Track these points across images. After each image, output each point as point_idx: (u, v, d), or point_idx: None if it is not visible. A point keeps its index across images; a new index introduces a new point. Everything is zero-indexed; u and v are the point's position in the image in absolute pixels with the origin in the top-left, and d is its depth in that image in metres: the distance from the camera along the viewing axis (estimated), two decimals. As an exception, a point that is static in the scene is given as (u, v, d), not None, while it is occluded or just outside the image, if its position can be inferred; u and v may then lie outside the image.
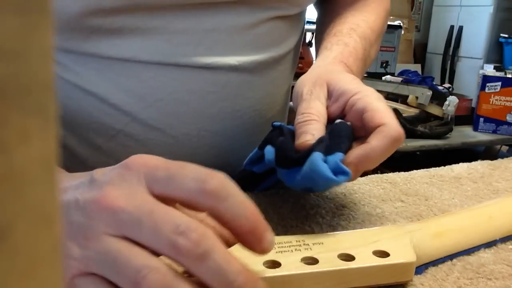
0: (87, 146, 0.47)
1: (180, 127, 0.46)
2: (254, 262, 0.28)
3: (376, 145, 0.35)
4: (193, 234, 0.22)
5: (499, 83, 2.22)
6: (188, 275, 0.24)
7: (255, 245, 0.24)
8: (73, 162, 0.29)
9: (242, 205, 0.24)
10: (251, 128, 0.51)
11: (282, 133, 0.38)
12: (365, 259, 0.30)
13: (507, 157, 0.62)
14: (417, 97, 2.24)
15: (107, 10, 0.40)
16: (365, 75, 2.07)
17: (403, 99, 2.30)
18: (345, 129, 0.37)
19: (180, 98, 0.45)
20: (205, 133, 0.47)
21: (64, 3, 0.39)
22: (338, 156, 0.34)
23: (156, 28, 0.43)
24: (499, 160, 0.60)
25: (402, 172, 0.54)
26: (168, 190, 0.25)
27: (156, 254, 0.24)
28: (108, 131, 0.46)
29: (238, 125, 0.49)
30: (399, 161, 1.42)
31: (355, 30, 0.52)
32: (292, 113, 0.44)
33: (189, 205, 0.24)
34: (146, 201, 0.24)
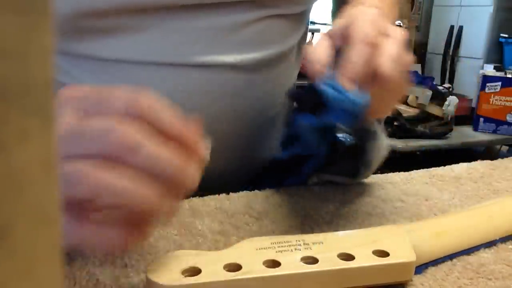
0: None
1: None
2: (254, 261, 0.28)
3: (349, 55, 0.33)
4: (124, 129, 0.23)
5: (499, 83, 2.23)
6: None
7: (190, 152, 0.26)
8: None
9: (168, 114, 0.26)
10: (251, 129, 0.50)
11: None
12: (365, 259, 0.30)
13: (507, 157, 0.62)
14: (417, 97, 2.24)
15: (99, 12, 0.40)
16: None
17: (403, 99, 2.30)
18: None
19: (176, 99, 0.43)
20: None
21: (54, 5, 0.39)
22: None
23: (150, 26, 0.42)
24: (499, 160, 0.60)
25: (402, 172, 0.54)
26: (103, 108, 0.25)
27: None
28: None
29: (237, 125, 0.48)
30: (399, 161, 1.42)
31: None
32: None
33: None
34: (73, 123, 0.25)
